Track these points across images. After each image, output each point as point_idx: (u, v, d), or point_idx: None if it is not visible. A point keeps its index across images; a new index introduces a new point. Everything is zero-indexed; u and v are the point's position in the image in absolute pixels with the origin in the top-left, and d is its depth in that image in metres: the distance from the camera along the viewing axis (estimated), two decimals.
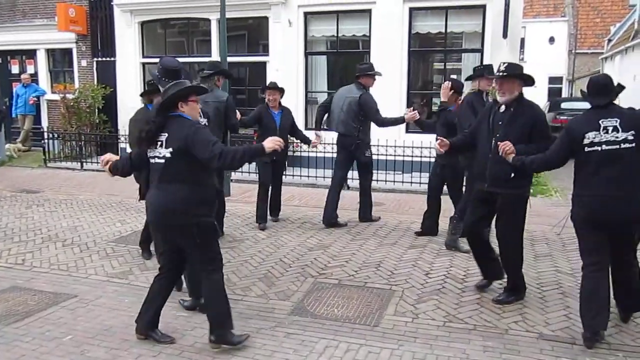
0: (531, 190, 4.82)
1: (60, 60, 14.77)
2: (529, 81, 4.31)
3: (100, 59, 13.78)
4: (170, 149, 3.51)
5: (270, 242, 6.23)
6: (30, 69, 14.65)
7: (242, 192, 9.12)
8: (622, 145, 3.73)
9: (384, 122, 6.78)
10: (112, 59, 13.33)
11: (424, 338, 3.90)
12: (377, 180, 8.73)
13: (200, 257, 3.71)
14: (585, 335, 3.78)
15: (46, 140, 12.10)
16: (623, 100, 20.77)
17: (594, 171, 3.77)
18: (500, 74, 4.26)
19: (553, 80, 30.46)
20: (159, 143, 3.55)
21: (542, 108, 5.58)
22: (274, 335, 3.93)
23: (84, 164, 11.61)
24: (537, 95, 5.95)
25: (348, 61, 12.10)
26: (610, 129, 3.76)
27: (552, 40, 31.96)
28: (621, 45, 22.07)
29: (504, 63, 4.36)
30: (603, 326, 3.81)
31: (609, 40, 27.15)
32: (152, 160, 3.65)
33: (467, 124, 5.35)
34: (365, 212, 7.16)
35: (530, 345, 3.82)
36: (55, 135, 12.43)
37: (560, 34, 31.86)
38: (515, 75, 4.28)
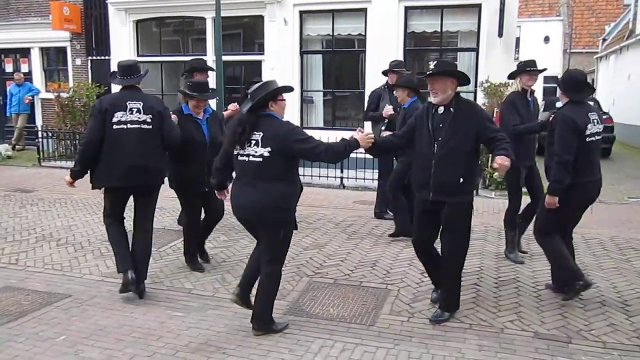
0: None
1: (54, 58, 14.71)
2: (463, 79, 4.04)
3: (94, 57, 13.74)
4: (269, 149, 3.63)
5: None
6: (24, 68, 14.59)
7: None
8: (597, 138, 4.34)
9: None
10: (107, 57, 13.29)
11: (420, 337, 3.89)
12: (373, 179, 8.73)
13: (274, 252, 3.83)
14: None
15: (40, 139, 12.04)
16: (618, 99, 20.91)
17: (592, 159, 4.34)
18: (429, 72, 4.08)
19: (548, 79, 30.54)
20: (253, 142, 3.67)
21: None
22: (269, 335, 3.91)
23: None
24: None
25: (343, 60, 12.11)
26: (596, 121, 4.34)
27: (547, 39, 32.01)
28: (616, 44, 22.14)
29: (434, 61, 4.18)
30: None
31: (604, 40, 27.27)
32: (242, 159, 3.74)
33: (511, 125, 5.19)
34: (382, 209, 7.19)
35: (526, 344, 3.82)
36: (50, 134, 12.37)
37: (556, 34, 31.93)
38: (445, 72, 3.99)
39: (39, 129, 12.62)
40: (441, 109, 4.00)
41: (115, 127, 4.33)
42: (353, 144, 3.85)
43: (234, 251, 5.87)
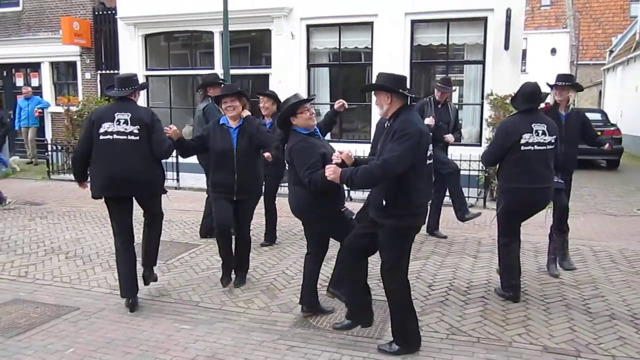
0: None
1: (64, 72, 14.91)
2: (398, 93, 3.65)
3: (104, 71, 13.90)
4: (287, 160, 4.19)
5: (273, 254, 6.22)
6: (34, 82, 14.78)
7: None
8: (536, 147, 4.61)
9: None
10: (116, 71, 13.40)
11: (427, 350, 3.87)
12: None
13: (311, 242, 4.38)
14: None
15: (50, 153, 12.15)
16: (626, 110, 20.86)
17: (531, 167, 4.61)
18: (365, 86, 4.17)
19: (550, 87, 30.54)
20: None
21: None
22: (276, 348, 3.92)
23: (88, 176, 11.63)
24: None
25: (350, 73, 12.18)
26: (540, 132, 4.59)
27: (553, 51, 32.08)
28: (623, 56, 22.14)
29: (378, 75, 3.89)
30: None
31: (611, 52, 27.25)
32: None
33: None
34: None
35: (534, 357, 3.79)
36: (59, 148, 12.48)
37: (562, 46, 31.99)
38: (377, 87, 3.76)
39: (49, 142, 12.73)
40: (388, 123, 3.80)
41: (101, 137, 4.40)
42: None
43: None
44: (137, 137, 4.44)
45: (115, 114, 4.42)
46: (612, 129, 14.82)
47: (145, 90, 13.12)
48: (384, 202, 3.61)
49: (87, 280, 5.38)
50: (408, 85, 3.83)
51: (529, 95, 4.69)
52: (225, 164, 4.89)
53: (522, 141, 4.53)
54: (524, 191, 4.60)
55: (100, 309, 4.65)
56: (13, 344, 3.98)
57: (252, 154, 5.01)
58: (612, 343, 4.00)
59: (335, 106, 5.17)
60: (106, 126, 4.39)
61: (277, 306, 4.70)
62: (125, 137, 4.41)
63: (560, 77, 5.48)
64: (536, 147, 4.56)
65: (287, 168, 4.34)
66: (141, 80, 12.86)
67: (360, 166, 3.64)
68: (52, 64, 14.70)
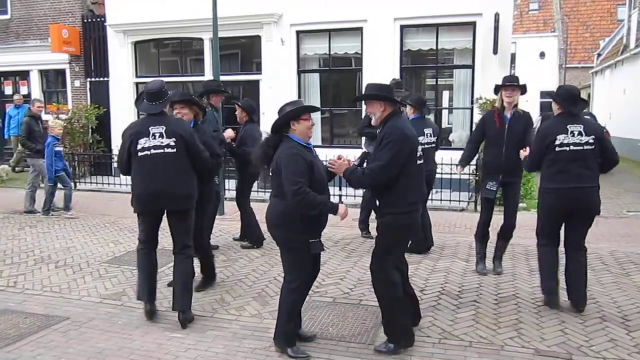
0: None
1: (53, 80, 14.83)
2: (389, 101, 3.84)
3: (93, 79, 13.83)
4: (272, 167, 3.80)
5: (265, 261, 6.21)
6: (23, 90, 14.68)
7: (235, 210, 9.09)
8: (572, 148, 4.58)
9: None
10: (106, 79, 13.40)
11: (420, 355, 3.87)
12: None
13: (286, 266, 3.88)
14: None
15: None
16: (614, 113, 21.01)
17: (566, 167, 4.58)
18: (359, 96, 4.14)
19: (544, 94, 30.77)
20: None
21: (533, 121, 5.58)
22: (268, 355, 3.90)
23: (78, 184, 11.57)
24: (529, 109, 5.87)
25: (341, 78, 12.21)
26: (576, 132, 4.56)
27: (542, 55, 32.29)
28: (611, 59, 22.34)
29: (367, 85, 4.03)
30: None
31: (599, 55, 27.49)
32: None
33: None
34: None
35: None
36: None
37: (551, 49, 32.21)
38: (368, 97, 3.92)
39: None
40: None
41: (139, 154, 4.36)
42: (330, 208, 3.75)
43: (233, 271, 5.86)
44: (174, 150, 4.38)
45: (150, 129, 4.37)
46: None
47: (136, 97, 13.09)
48: (377, 203, 3.83)
49: (77, 290, 5.33)
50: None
51: (568, 97, 4.68)
52: None
53: (557, 142, 4.53)
54: (560, 191, 4.58)
55: (91, 318, 4.61)
56: (2, 355, 3.94)
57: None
58: (604, 345, 4.02)
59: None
60: (143, 142, 4.34)
61: (269, 313, 4.68)
62: (162, 150, 4.35)
63: (509, 79, 5.52)
64: (572, 148, 4.52)
65: (270, 176, 3.92)
66: (130, 88, 12.93)
67: (360, 168, 3.89)
68: (41, 72, 14.62)
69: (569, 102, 4.64)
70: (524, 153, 5.02)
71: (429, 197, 7.02)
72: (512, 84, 5.39)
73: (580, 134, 4.52)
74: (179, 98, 5.08)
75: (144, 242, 4.60)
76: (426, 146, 5.94)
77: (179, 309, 4.43)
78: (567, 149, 4.52)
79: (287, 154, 3.70)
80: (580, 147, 4.52)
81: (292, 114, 3.78)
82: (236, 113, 6.83)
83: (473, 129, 10.34)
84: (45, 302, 5.03)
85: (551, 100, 4.80)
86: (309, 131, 3.86)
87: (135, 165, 4.41)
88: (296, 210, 3.67)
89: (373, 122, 4.01)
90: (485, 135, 5.61)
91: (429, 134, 6.26)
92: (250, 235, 6.84)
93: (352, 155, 4.17)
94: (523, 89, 5.44)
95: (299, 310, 3.99)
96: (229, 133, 6.64)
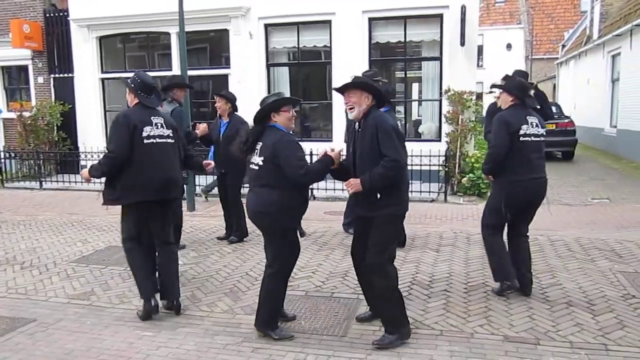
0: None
1: (16, 77, 14.44)
2: (375, 95, 3.83)
3: (57, 75, 13.52)
4: (262, 157, 3.85)
5: (236, 256, 6.17)
6: None
7: (207, 206, 9.03)
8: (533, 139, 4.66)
9: None
10: (70, 75, 13.10)
11: (392, 346, 3.90)
12: (343, 190, 8.77)
13: (271, 254, 4.00)
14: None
15: (2, 160, 11.76)
16: (579, 103, 21.42)
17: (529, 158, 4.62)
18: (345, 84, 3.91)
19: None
20: (256, 151, 3.92)
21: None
22: (240, 350, 3.88)
23: (43, 183, 11.32)
24: (494, 101, 5.91)
25: (310, 72, 12.19)
26: (534, 124, 4.63)
27: (509, 46, 32.81)
28: (574, 50, 22.81)
29: (352, 76, 4.01)
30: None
31: (563, 46, 28.04)
32: (250, 166, 3.99)
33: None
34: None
35: (496, 347, 3.86)
36: (12, 155, 12.09)
37: (517, 41, 32.76)
38: (356, 85, 3.84)
39: (1, 149, 12.32)
40: (357, 125, 3.90)
41: (145, 141, 4.36)
42: (328, 161, 3.89)
43: (204, 267, 5.81)
44: (173, 140, 4.59)
45: (152, 118, 4.46)
46: (566, 121, 15.26)
47: (102, 93, 12.86)
48: (379, 196, 3.76)
49: (44, 291, 5.21)
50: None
51: (524, 88, 4.76)
52: None
53: (521, 132, 4.55)
54: (527, 182, 4.60)
55: (58, 319, 4.52)
56: None
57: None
58: (570, 330, 4.12)
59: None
60: (148, 130, 4.39)
61: (241, 308, 4.66)
62: (165, 140, 4.51)
63: (517, 74, 5.52)
64: (533, 139, 4.60)
65: (256, 167, 3.90)
66: (96, 83, 12.69)
67: (372, 172, 3.67)
68: (2, 68, 14.22)
69: (524, 93, 4.74)
70: None
71: None
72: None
73: (537, 125, 4.64)
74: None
75: (133, 237, 4.53)
76: None
77: (175, 298, 4.53)
78: (529, 139, 4.58)
79: (285, 141, 3.83)
80: (538, 139, 4.64)
81: (271, 105, 3.90)
82: (217, 105, 6.63)
83: (442, 120, 10.50)
84: (11, 304, 4.90)
85: (500, 91, 4.82)
86: (290, 122, 3.99)
87: (139, 153, 4.34)
88: (289, 200, 3.84)
89: (353, 116, 3.85)
90: None
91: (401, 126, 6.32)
92: (242, 229, 6.76)
93: (328, 147, 4.06)
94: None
95: (284, 294, 4.11)
96: (202, 128, 6.45)
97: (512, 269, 4.74)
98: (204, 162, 5.12)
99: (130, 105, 4.56)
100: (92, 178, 4.56)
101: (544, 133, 4.70)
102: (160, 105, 4.75)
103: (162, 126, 4.49)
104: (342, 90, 3.88)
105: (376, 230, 3.85)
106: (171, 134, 4.56)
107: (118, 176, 4.35)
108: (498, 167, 4.65)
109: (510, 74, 5.60)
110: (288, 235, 3.98)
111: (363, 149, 3.78)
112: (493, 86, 5.13)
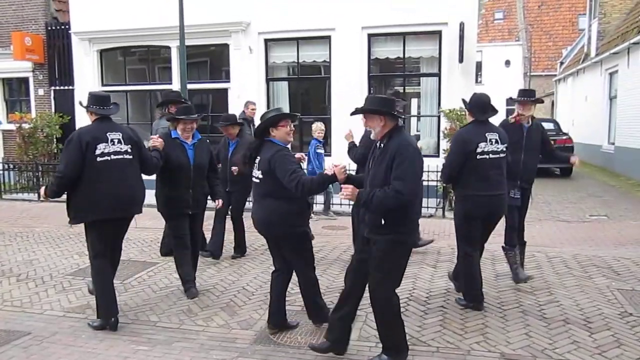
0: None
1: (16, 89, 14.51)
2: (388, 114, 3.64)
3: (58, 87, 13.59)
4: (261, 171, 4.07)
5: (233, 270, 6.16)
6: None
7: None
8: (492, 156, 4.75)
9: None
10: (70, 87, 13.16)
11: None
12: (341, 204, 8.78)
13: (294, 261, 4.25)
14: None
15: (1, 172, 11.77)
16: (577, 120, 21.53)
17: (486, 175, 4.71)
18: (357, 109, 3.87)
19: (510, 102, 31.39)
20: (256, 165, 4.14)
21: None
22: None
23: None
24: (494, 116, 5.90)
25: (309, 87, 12.25)
26: (494, 140, 4.71)
27: (508, 63, 33.06)
28: (573, 67, 22.94)
29: (367, 98, 3.95)
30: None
31: (561, 63, 28.22)
32: (253, 179, 4.22)
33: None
34: None
35: None
36: (11, 166, 12.10)
37: (516, 57, 33.01)
38: (364, 111, 3.80)
39: (0, 161, 12.33)
40: (379, 144, 3.75)
41: (99, 159, 4.33)
42: (330, 178, 3.86)
43: (201, 281, 5.79)
44: (131, 156, 4.54)
45: (108, 134, 4.41)
46: (564, 137, 15.33)
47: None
48: (383, 221, 3.56)
49: (40, 304, 5.19)
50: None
51: (485, 105, 4.83)
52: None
53: (478, 150, 4.65)
54: (481, 198, 4.69)
55: (53, 332, 4.49)
56: None
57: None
58: (567, 347, 4.10)
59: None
60: (102, 147, 4.35)
61: (237, 323, 4.64)
62: (122, 156, 4.46)
63: (523, 93, 5.56)
64: (491, 156, 4.69)
65: (257, 180, 4.14)
66: None
67: (375, 191, 3.49)
68: (3, 80, 14.28)
69: (478, 110, 4.80)
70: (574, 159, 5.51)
71: None
72: (524, 99, 5.45)
73: (497, 142, 4.72)
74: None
75: (100, 254, 4.51)
76: None
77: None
78: (487, 157, 4.67)
79: (278, 156, 3.98)
80: (497, 155, 4.71)
81: (270, 120, 4.08)
82: (227, 134, 6.62)
83: (440, 136, 10.54)
84: (6, 317, 4.87)
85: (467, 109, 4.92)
86: (288, 136, 4.17)
87: (91, 171, 4.32)
88: (294, 208, 4.06)
89: (373, 136, 3.77)
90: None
91: None
92: (243, 246, 6.82)
93: (331, 163, 4.02)
94: (539, 101, 5.60)
95: (317, 281, 4.44)
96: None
97: (481, 295, 4.89)
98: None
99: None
100: (48, 197, 4.55)
101: (504, 149, 4.77)
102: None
103: (119, 142, 4.44)
104: (355, 113, 3.93)
105: (379, 253, 3.63)
106: (129, 150, 4.50)
107: (73, 195, 4.40)
108: (451, 181, 4.90)
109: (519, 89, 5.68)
110: (302, 238, 4.18)
111: (378, 169, 3.60)
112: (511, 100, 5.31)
